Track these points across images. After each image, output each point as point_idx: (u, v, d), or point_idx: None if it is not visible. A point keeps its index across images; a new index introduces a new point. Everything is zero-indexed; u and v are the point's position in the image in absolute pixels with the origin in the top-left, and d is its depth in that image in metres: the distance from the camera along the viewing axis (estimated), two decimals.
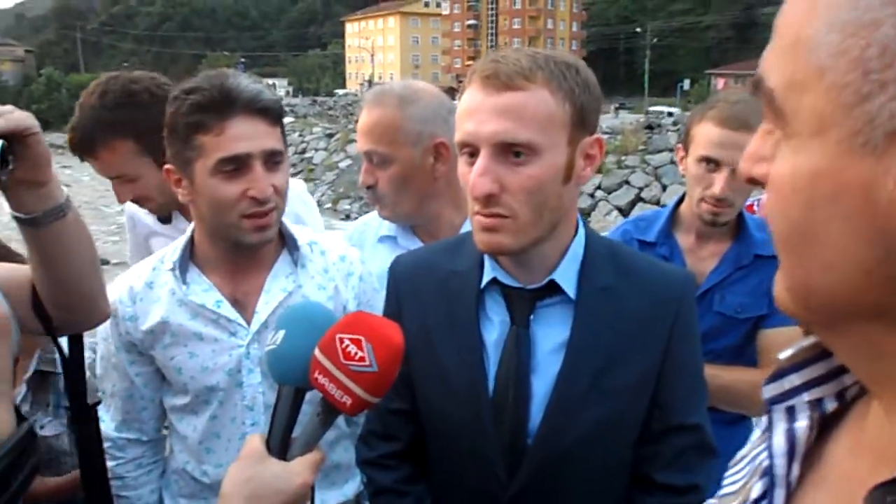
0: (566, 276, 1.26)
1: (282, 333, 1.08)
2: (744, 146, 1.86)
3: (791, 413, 0.60)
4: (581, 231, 1.30)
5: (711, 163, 1.86)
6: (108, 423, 1.65)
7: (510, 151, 1.13)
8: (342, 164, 32.34)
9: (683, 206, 2.06)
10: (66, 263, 1.22)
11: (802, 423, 0.59)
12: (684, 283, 1.32)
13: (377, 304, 1.73)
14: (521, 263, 1.26)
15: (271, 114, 1.49)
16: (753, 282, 1.92)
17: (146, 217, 2.11)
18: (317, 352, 1.01)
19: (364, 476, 1.50)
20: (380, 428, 1.44)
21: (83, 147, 1.91)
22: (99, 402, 1.58)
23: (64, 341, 1.46)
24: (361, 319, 1.02)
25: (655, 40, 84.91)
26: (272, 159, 1.49)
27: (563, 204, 1.21)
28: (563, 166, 1.17)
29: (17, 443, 1.07)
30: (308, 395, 1.07)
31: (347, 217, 26.84)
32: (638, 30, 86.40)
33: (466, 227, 1.92)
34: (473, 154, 1.16)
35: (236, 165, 1.44)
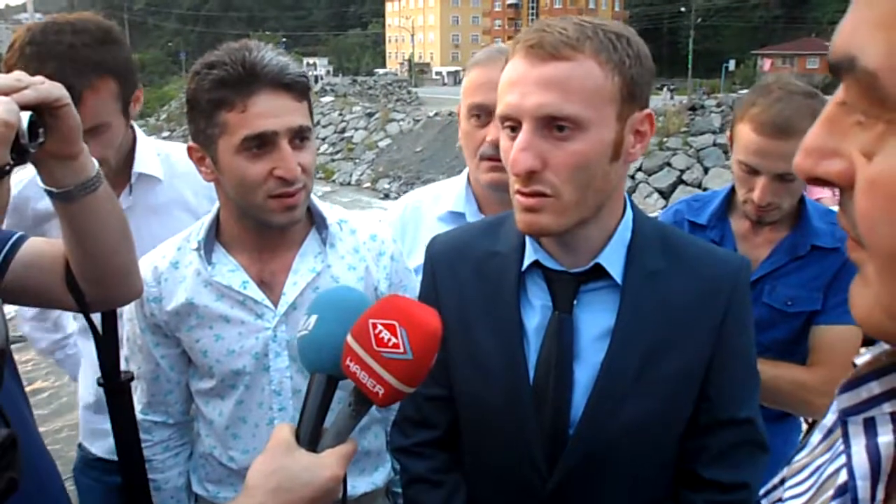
0: (612, 260, 1.18)
1: (314, 318, 1.02)
2: (786, 154, 1.74)
3: (870, 426, 0.53)
4: (629, 212, 1.22)
5: (751, 169, 1.75)
6: (134, 404, 1.61)
7: (554, 126, 1.05)
8: (382, 144, 32.42)
9: (734, 177, 1.93)
10: (99, 237, 1.19)
11: (886, 439, 0.51)
12: (738, 269, 1.23)
13: (411, 286, 1.68)
14: (565, 246, 1.19)
15: (298, 88, 1.41)
16: (809, 274, 1.80)
17: (42, 202, 1.84)
18: (349, 338, 0.96)
19: (397, 464, 1.44)
20: (415, 414, 1.38)
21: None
22: (132, 378, 1.54)
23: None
24: (395, 303, 0.96)
25: (700, 20, 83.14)
26: (299, 136, 1.42)
27: (609, 183, 1.13)
28: (610, 143, 1.09)
29: None
30: (341, 383, 1.01)
31: (386, 196, 26.97)
32: (682, 9, 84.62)
33: None
34: (515, 128, 1.09)
35: (262, 143, 1.37)
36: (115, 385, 1.47)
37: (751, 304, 1.25)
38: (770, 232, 1.87)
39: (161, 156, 1.96)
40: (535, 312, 1.22)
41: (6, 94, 0.95)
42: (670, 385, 1.17)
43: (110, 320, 1.44)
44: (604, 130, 1.07)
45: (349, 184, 30.39)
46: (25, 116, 0.97)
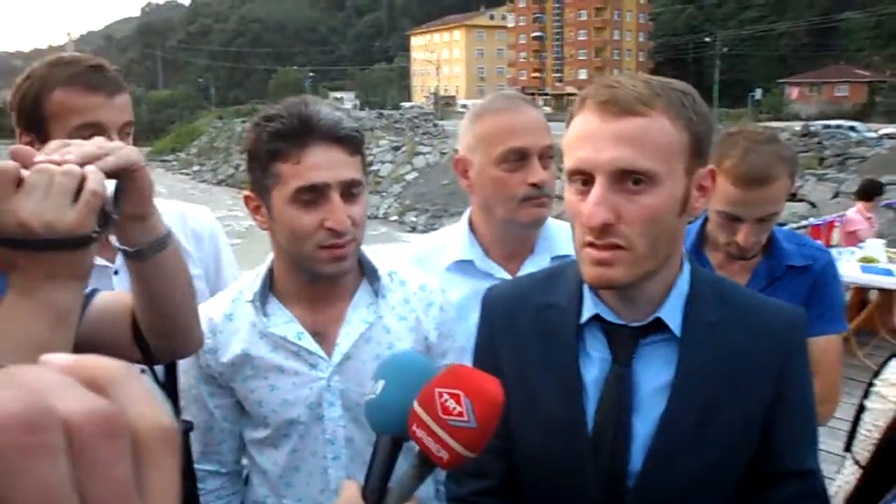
0: (672, 313, 1.20)
1: (381, 383, 1.05)
2: (766, 199, 1.86)
3: None
4: (686, 265, 1.24)
5: (733, 217, 1.85)
6: (192, 455, 1.63)
7: (628, 180, 1.08)
8: (408, 177, 32.66)
9: (711, 223, 2.01)
10: (168, 294, 1.22)
11: None
12: (794, 320, 1.24)
13: (458, 335, 1.69)
14: (627, 299, 1.20)
15: (351, 142, 1.45)
16: (788, 293, 1.87)
17: None
18: (416, 405, 0.99)
19: None
20: (471, 464, 1.38)
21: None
22: (191, 429, 1.56)
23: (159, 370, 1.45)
24: (461, 373, 0.99)
25: (726, 49, 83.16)
26: (350, 189, 1.45)
27: (675, 237, 1.15)
28: (680, 197, 1.11)
29: None
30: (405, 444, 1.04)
31: (413, 229, 27.12)
32: (707, 39, 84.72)
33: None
34: (587, 182, 1.11)
35: (314, 195, 1.41)
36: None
37: (808, 355, 1.25)
38: (745, 260, 1.98)
39: (176, 213, 1.98)
40: (594, 365, 1.23)
41: (90, 162, 0.99)
42: (730, 437, 1.17)
43: (171, 371, 1.47)
44: (674, 185, 1.09)
45: (376, 217, 30.56)
46: (111, 185, 1.01)
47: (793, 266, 1.94)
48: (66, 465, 0.30)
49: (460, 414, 0.95)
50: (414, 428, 0.98)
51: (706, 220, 2.02)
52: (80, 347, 1.22)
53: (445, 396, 0.96)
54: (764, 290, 1.87)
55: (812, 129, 32.09)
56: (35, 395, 0.29)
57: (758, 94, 67.24)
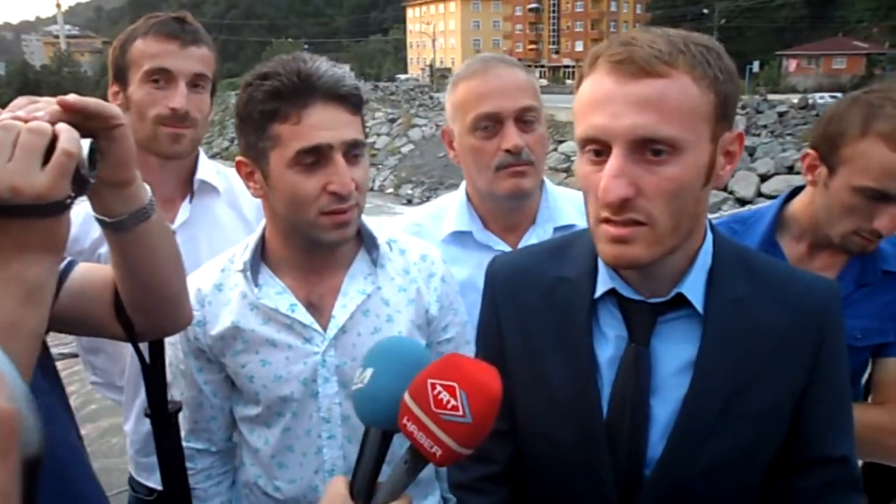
0: (694, 288, 1.10)
1: (370, 372, 0.99)
2: None
3: None
4: (709, 235, 1.14)
5: (881, 195, 1.51)
6: (181, 435, 1.55)
7: (648, 149, 0.96)
8: (404, 149, 32.51)
9: (794, 207, 1.73)
10: (151, 267, 1.13)
11: None
12: (829, 294, 1.14)
13: (461, 310, 1.60)
14: (646, 274, 1.10)
15: (353, 101, 1.35)
16: (879, 303, 1.64)
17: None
18: (406, 397, 0.93)
19: (456, 499, 1.37)
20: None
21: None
22: (179, 410, 1.48)
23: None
24: (456, 363, 0.93)
25: (724, 21, 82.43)
26: (353, 151, 1.35)
27: (700, 208, 1.05)
28: (705, 166, 1.00)
29: None
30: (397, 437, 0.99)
31: (409, 202, 27.06)
32: (705, 11, 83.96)
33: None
34: (600, 152, 1.00)
35: (316, 157, 1.31)
36: (162, 416, 1.41)
37: (844, 333, 1.16)
38: (829, 256, 1.69)
39: (220, 173, 2.00)
40: (609, 343, 1.14)
41: (62, 119, 0.89)
42: (758, 421, 1.08)
43: (157, 349, 1.38)
44: (699, 152, 0.99)
45: (372, 189, 30.45)
46: (86, 144, 0.90)
47: (890, 272, 1.64)
48: None
49: (454, 408, 0.89)
50: (405, 421, 0.93)
51: (786, 200, 1.75)
52: (56, 323, 1.13)
53: (439, 388, 0.91)
54: (850, 297, 1.61)
55: (810, 101, 31.85)
56: None
57: (755, 66, 66.73)
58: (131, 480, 2.04)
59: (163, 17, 1.83)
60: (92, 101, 0.94)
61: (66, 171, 0.86)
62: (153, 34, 1.78)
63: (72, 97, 0.92)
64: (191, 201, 1.93)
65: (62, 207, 0.86)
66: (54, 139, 0.86)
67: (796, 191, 1.77)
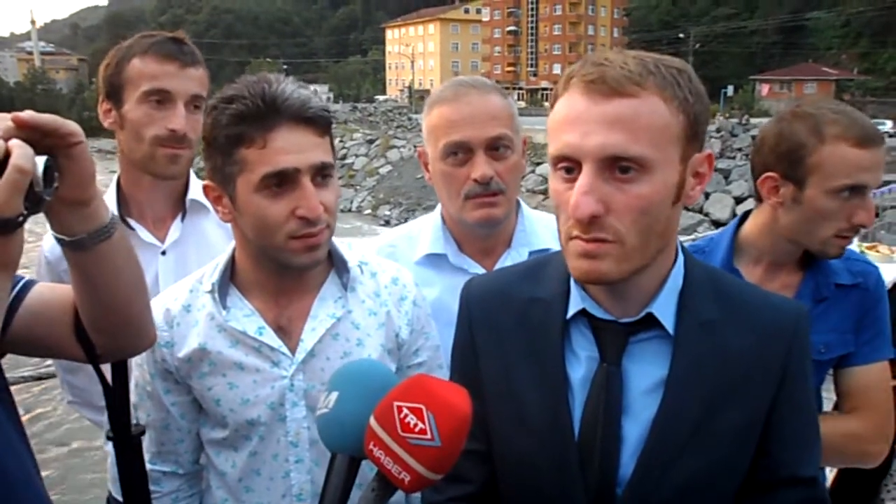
0: (664, 309, 1.11)
1: (335, 395, 0.97)
2: (882, 160, 1.59)
3: None
4: (680, 257, 1.15)
5: (857, 190, 1.57)
6: (144, 458, 1.52)
7: (617, 167, 0.98)
8: (382, 170, 32.53)
9: (747, 231, 1.77)
10: (112, 287, 1.11)
11: None
12: (797, 317, 1.16)
13: (433, 334, 1.60)
14: (616, 294, 1.11)
15: (320, 123, 1.34)
16: (837, 316, 1.68)
17: None
18: (372, 421, 0.90)
19: None
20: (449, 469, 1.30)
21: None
22: (143, 433, 1.46)
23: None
24: (423, 384, 0.90)
25: (698, 46, 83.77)
26: (321, 173, 1.35)
27: (670, 227, 1.07)
28: (674, 185, 1.02)
29: None
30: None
31: (387, 223, 27.05)
32: (681, 35, 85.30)
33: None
34: (571, 170, 1.02)
35: (282, 181, 1.30)
36: (125, 438, 1.39)
37: (810, 355, 1.18)
38: (787, 276, 1.74)
39: None
40: (581, 364, 1.15)
41: (14, 136, 0.88)
42: (727, 442, 1.10)
43: (121, 371, 1.36)
44: (668, 172, 1.01)
45: (350, 210, 30.46)
46: (41, 161, 0.89)
47: (842, 285, 1.69)
48: None
49: (422, 431, 0.86)
50: (371, 447, 0.90)
51: (738, 225, 1.79)
52: (13, 345, 1.11)
53: (405, 411, 0.88)
54: (810, 313, 1.62)
55: None
56: None
57: (730, 90, 67.79)
58: (109, 498, 2.01)
59: (159, 36, 1.82)
60: (47, 118, 0.92)
61: (19, 188, 0.84)
62: (152, 54, 1.78)
63: (26, 113, 0.91)
64: (182, 220, 1.92)
65: (14, 225, 0.85)
66: (7, 156, 0.84)
67: (745, 216, 1.81)
